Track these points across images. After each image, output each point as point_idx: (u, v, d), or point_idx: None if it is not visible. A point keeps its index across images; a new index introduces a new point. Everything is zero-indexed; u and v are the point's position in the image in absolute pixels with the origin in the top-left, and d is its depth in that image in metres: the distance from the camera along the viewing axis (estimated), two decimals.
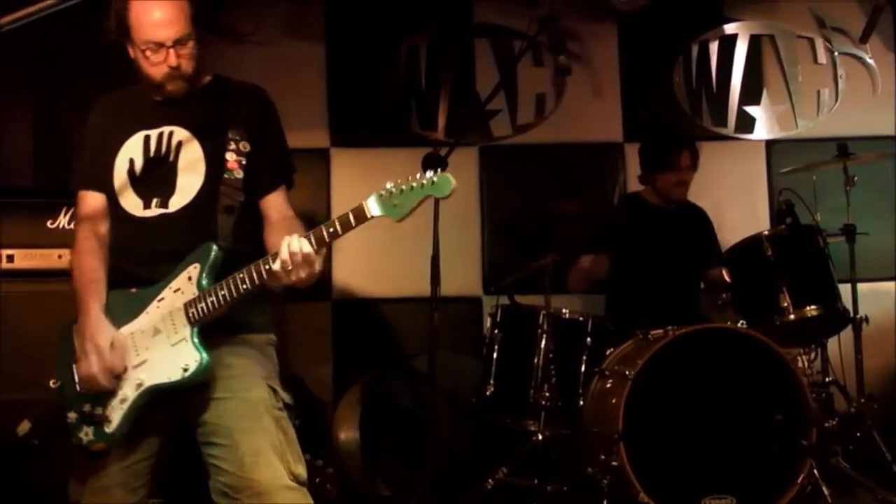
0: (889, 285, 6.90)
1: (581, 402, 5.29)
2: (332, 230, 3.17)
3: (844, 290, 5.52)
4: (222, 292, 3.26)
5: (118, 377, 3.33)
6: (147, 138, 3.53)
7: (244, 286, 3.24)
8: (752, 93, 7.11)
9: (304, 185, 6.57)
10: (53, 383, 3.50)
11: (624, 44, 7.10)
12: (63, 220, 5.21)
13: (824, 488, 4.86)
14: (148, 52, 3.39)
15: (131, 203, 3.49)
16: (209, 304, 3.27)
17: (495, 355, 5.52)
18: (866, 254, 5.98)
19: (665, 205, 6.07)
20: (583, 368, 5.39)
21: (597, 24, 7.05)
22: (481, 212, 6.90)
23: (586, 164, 6.99)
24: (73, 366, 3.41)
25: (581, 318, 5.50)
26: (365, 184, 6.73)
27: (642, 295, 5.84)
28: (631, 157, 6.63)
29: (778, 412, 4.81)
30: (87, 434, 3.37)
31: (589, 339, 5.44)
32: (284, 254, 3.13)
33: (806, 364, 5.55)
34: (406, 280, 6.54)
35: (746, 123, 7.08)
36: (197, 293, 3.30)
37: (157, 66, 3.41)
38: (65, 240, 5.15)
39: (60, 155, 5.99)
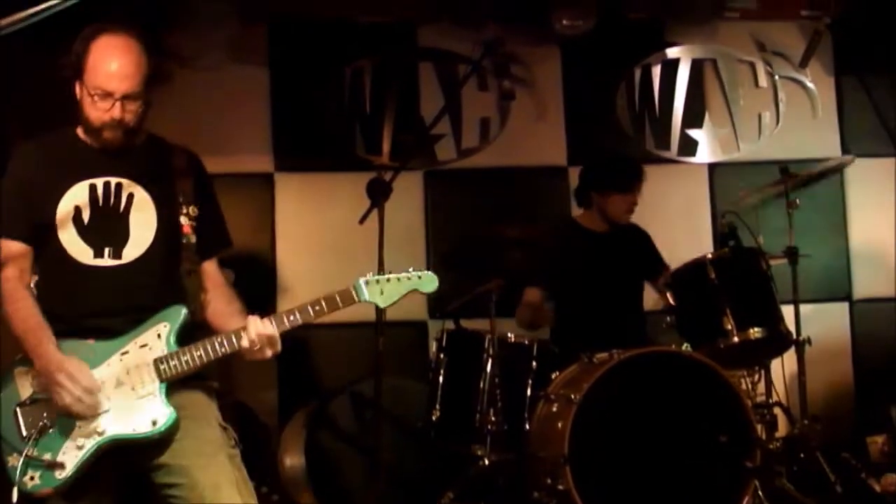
0: (830, 306, 6.98)
1: (527, 426, 5.28)
2: (313, 310, 3.43)
3: (787, 311, 5.55)
4: (198, 353, 3.37)
5: (93, 394, 3.32)
6: (93, 187, 3.52)
7: (222, 349, 3.37)
8: (694, 116, 7.19)
9: (248, 210, 6.64)
10: None
11: (568, 68, 7.15)
12: None
13: None
14: (95, 98, 3.40)
15: (79, 251, 3.48)
16: (183, 363, 3.37)
17: (441, 380, 5.50)
18: (809, 275, 6.04)
19: (602, 229, 6.03)
20: (528, 392, 5.37)
21: (541, 48, 7.10)
22: (426, 236, 6.89)
23: (531, 187, 7.01)
24: (19, 409, 3.37)
25: (526, 342, 5.49)
26: (310, 209, 6.80)
27: (586, 319, 5.83)
28: (575, 181, 6.66)
29: (722, 434, 4.83)
30: (32, 479, 3.32)
31: (534, 363, 5.43)
32: (252, 335, 3.34)
33: (750, 386, 5.60)
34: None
35: (689, 146, 7.16)
36: (167, 351, 3.38)
37: (99, 113, 3.42)
38: None
39: None
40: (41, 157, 3.60)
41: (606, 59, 7.10)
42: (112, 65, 3.40)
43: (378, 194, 5.11)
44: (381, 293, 3.45)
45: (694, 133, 7.16)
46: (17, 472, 3.32)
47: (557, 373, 5.30)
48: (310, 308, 3.42)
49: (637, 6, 7.07)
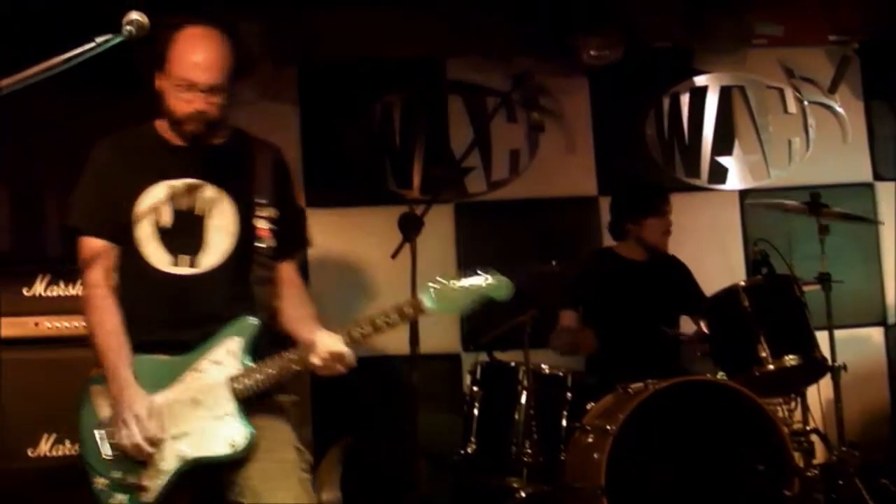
0: (865, 331, 6.93)
1: (563, 458, 5.27)
2: (382, 322, 3.42)
3: (822, 337, 5.52)
4: (271, 371, 3.35)
5: (155, 445, 3.31)
6: (173, 188, 3.49)
7: (294, 367, 3.35)
8: (724, 143, 7.17)
9: None
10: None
11: (596, 98, 7.15)
12: (39, 288, 5.17)
13: None
14: (180, 89, 3.39)
15: (157, 257, 3.45)
16: (257, 382, 3.35)
17: (476, 412, 5.50)
18: (842, 300, 6.00)
19: (640, 258, 6.06)
20: (564, 423, 5.37)
21: (569, 79, 7.09)
22: (458, 268, 6.86)
23: (562, 218, 7.01)
24: (98, 431, 3.38)
25: (561, 374, 5.49)
26: (342, 244, 6.82)
27: (622, 349, 5.83)
28: (606, 211, 6.65)
29: (760, 463, 4.81)
30: (119, 502, 3.34)
31: (569, 394, 5.42)
32: (322, 353, 3.33)
33: (786, 413, 5.55)
34: (384, 338, 6.50)
35: (719, 174, 7.13)
36: (240, 368, 3.36)
37: (183, 104, 3.41)
38: (41, 307, 5.15)
39: (36, 222, 5.99)
40: (120, 154, 3.56)
41: (635, 88, 7.10)
42: (197, 56, 3.38)
43: (410, 229, 5.14)
44: (451, 301, 3.39)
45: (724, 160, 7.14)
46: (105, 494, 3.35)
47: (592, 403, 5.30)
48: (378, 319, 3.40)
49: (664, 35, 7.08)
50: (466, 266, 6.73)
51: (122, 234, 3.48)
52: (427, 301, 3.38)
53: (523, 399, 5.35)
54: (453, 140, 7.04)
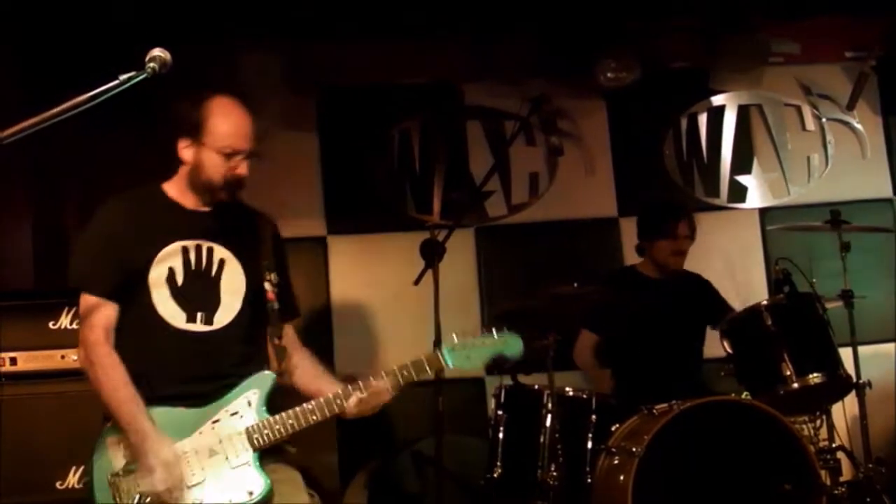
0: (889, 347, 6.90)
1: (589, 481, 5.25)
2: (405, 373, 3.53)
3: (845, 354, 5.51)
4: (290, 421, 3.45)
5: (180, 490, 3.36)
6: (186, 249, 3.58)
7: (314, 417, 3.46)
8: (742, 162, 7.19)
9: (302, 273, 6.66)
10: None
11: (614, 120, 7.19)
12: (65, 321, 5.21)
13: None
14: (223, 157, 3.50)
15: (172, 314, 3.53)
16: (275, 432, 3.44)
17: (501, 436, 5.49)
18: (865, 317, 5.99)
19: (660, 276, 6.07)
20: (589, 446, 5.35)
21: (586, 101, 7.13)
22: (480, 292, 6.91)
23: (582, 240, 7.03)
24: (115, 479, 3.40)
25: (585, 396, 5.47)
26: (364, 270, 6.84)
27: (644, 369, 5.83)
28: (626, 232, 6.67)
29: (787, 482, 4.80)
30: None
31: (594, 416, 5.40)
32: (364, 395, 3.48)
33: (812, 432, 5.54)
34: None
35: (739, 192, 7.15)
36: (258, 419, 3.44)
37: (222, 171, 3.51)
38: (67, 340, 5.17)
39: (60, 256, 6.02)
40: (131, 214, 3.63)
41: (652, 109, 7.13)
42: (238, 124, 3.53)
43: (432, 255, 5.16)
44: (468, 358, 3.53)
45: (743, 179, 7.16)
46: None
47: (617, 425, 5.29)
48: (398, 372, 3.53)
49: (680, 56, 7.11)
50: (488, 289, 6.82)
51: (131, 292, 3.54)
52: (448, 359, 3.54)
53: (548, 422, 5.34)
54: (472, 164, 7.08)
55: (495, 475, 5.41)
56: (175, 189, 3.66)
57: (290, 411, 3.44)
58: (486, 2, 6.53)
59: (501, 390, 5.60)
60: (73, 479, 5.05)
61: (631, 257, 6.47)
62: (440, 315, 5.17)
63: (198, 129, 3.51)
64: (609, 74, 6.73)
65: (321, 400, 3.47)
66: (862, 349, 5.74)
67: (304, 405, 3.46)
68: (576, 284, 5.48)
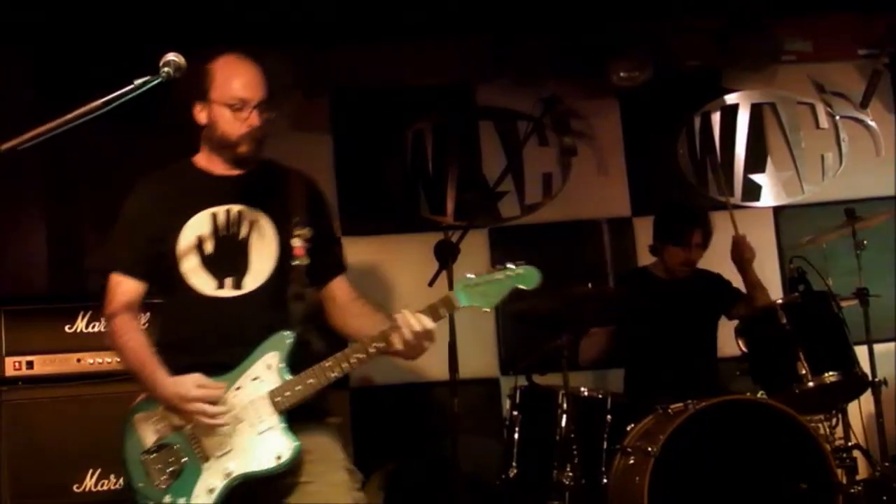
0: None
1: (605, 481, 5.26)
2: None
3: (861, 352, 5.50)
4: (310, 380, 3.38)
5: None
6: (214, 216, 3.56)
7: (333, 374, 3.37)
8: (756, 161, 7.18)
9: None
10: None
11: (627, 119, 7.18)
12: (81, 325, 5.23)
13: None
14: (232, 110, 3.49)
15: (202, 282, 3.51)
16: (296, 392, 3.37)
17: (516, 437, 5.49)
18: (881, 314, 5.98)
19: (672, 276, 6.05)
20: (605, 446, 5.36)
21: (599, 101, 7.13)
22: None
23: (596, 240, 7.03)
24: (146, 457, 3.42)
25: (600, 396, 5.47)
26: (379, 271, 6.85)
27: (659, 369, 5.82)
28: (640, 232, 6.66)
29: (803, 481, 4.79)
30: None
31: (609, 416, 5.40)
32: (408, 334, 3.35)
33: (828, 430, 5.53)
34: (423, 365, 6.54)
35: (753, 191, 7.14)
36: (280, 382, 3.39)
37: (235, 125, 3.50)
38: (83, 344, 5.20)
39: (75, 259, 6.05)
40: (160, 192, 3.64)
41: (665, 108, 7.12)
42: (243, 75, 3.51)
43: (446, 256, 5.17)
44: (484, 295, 3.39)
45: (757, 177, 7.15)
46: None
47: (633, 425, 5.29)
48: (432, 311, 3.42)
49: (693, 55, 7.10)
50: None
51: (161, 268, 3.54)
52: (461, 298, 3.40)
53: (563, 422, 5.34)
54: (485, 165, 7.09)
55: (511, 476, 5.42)
56: (203, 158, 3.66)
57: (309, 370, 3.37)
58: (499, 3, 6.53)
59: (516, 391, 5.61)
60: (90, 482, 5.07)
61: (645, 257, 6.45)
62: (454, 316, 5.17)
63: (205, 90, 3.51)
64: (622, 74, 6.73)
65: (336, 356, 3.39)
66: (877, 347, 5.74)
67: (322, 362, 3.39)
68: (590, 285, 5.49)
